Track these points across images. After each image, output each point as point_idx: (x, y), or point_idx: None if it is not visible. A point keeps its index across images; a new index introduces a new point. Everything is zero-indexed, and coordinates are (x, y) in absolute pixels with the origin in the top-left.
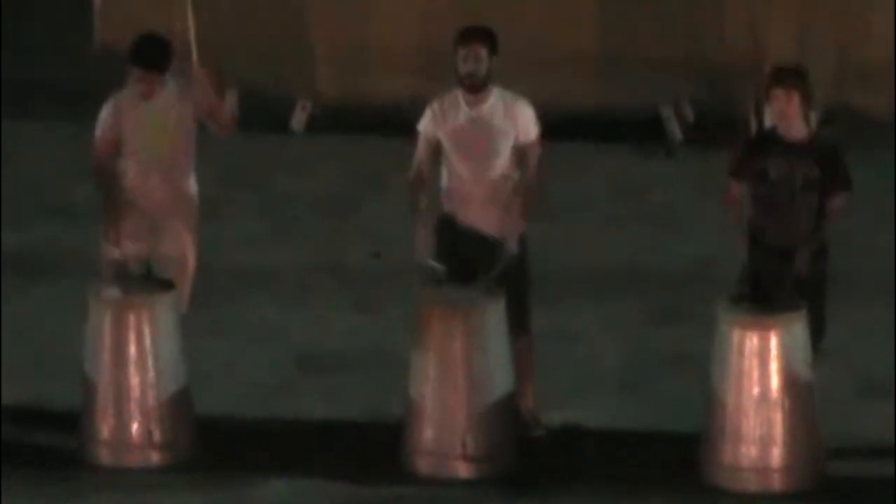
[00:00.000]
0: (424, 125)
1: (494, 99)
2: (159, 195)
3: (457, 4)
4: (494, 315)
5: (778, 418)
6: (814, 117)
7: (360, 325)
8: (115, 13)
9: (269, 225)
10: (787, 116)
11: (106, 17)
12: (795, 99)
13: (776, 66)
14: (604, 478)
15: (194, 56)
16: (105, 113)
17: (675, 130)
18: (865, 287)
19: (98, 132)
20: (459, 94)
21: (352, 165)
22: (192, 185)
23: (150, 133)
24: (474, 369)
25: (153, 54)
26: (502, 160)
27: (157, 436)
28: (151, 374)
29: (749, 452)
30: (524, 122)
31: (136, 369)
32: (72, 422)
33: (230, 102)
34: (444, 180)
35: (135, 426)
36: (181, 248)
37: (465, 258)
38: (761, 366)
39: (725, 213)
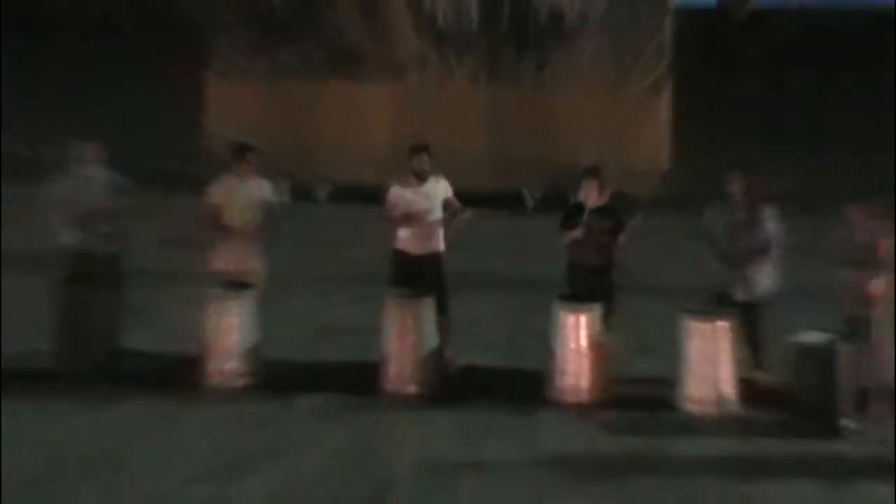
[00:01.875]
0: (390, 194)
1: (432, 179)
2: (244, 234)
3: (410, 123)
4: (429, 304)
5: (586, 363)
6: (606, 194)
7: (355, 311)
8: (217, 123)
9: (302, 253)
10: (591, 194)
11: (211, 126)
12: (595, 185)
13: (586, 166)
14: (487, 396)
15: None
16: (214, 186)
17: (530, 203)
18: (649, 293)
19: (208, 198)
20: (412, 178)
21: (348, 221)
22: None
23: (241, 201)
24: (417, 335)
25: (245, 150)
26: (435, 213)
27: (241, 369)
28: (239, 335)
29: (569, 381)
30: (446, 188)
31: (232, 333)
32: (172, 365)
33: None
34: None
35: (231, 363)
36: (256, 265)
37: (411, 275)
38: (576, 333)
39: (565, 248)
